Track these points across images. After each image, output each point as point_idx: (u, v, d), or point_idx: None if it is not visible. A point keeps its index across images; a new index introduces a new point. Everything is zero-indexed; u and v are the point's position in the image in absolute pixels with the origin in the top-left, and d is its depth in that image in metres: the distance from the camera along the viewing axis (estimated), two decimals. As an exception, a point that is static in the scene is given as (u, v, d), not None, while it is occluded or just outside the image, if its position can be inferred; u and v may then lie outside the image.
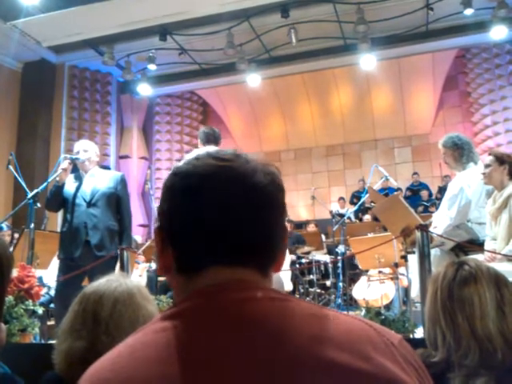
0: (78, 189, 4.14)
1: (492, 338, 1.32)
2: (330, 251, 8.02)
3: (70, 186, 4.18)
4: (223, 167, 0.73)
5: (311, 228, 9.80)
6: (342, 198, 11.59)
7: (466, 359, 1.32)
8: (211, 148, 4.05)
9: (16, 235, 5.56)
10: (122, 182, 4.28)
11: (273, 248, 0.74)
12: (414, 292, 3.69)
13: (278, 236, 0.75)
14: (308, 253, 7.48)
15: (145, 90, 10.62)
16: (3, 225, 5.44)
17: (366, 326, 0.68)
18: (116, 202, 4.21)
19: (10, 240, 5.22)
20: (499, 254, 3.31)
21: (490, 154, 3.57)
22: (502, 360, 1.30)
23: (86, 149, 4.25)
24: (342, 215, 8.79)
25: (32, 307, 3.31)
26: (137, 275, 6.65)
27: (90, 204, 4.10)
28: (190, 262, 0.73)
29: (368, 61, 9.57)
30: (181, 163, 0.77)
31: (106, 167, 9.88)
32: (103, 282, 1.36)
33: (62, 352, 1.29)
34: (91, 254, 4.01)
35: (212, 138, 4.49)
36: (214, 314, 0.66)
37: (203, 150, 4.19)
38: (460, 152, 3.91)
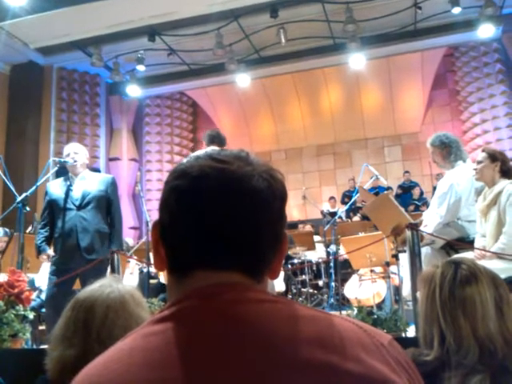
0: (67, 193, 4.12)
1: (493, 338, 1.32)
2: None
3: (59, 190, 4.15)
4: (219, 169, 0.71)
5: (303, 228, 9.82)
6: (332, 198, 11.62)
7: (465, 359, 1.32)
8: (213, 148, 4.05)
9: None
10: (113, 184, 4.28)
11: (263, 254, 0.73)
12: (406, 291, 3.71)
13: (271, 243, 0.74)
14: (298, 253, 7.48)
15: (134, 91, 10.58)
16: (0, 229, 5.39)
17: (355, 328, 0.68)
18: (107, 204, 4.19)
19: (5, 246, 5.14)
20: (489, 251, 3.33)
21: (483, 151, 3.59)
22: (502, 359, 1.31)
23: (76, 151, 4.24)
24: (332, 214, 8.81)
25: (23, 312, 3.29)
26: (128, 273, 6.63)
27: (80, 207, 4.08)
28: (178, 263, 0.73)
29: (357, 60, 9.62)
30: (183, 161, 0.76)
31: (96, 169, 9.83)
32: (96, 288, 1.35)
33: (53, 359, 1.28)
34: (82, 257, 3.99)
35: (217, 140, 4.53)
36: (204, 317, 0.66)
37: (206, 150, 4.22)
38: (448, 150, 3.93)
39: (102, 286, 1.35)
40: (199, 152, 0.78)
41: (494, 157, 3.48)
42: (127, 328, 1.25)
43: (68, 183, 4.16)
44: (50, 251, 4.07)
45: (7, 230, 5.48)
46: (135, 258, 6.39)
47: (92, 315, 1.28)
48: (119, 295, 1.32)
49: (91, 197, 4.12)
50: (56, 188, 4.18)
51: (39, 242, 4.11)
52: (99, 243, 4.09)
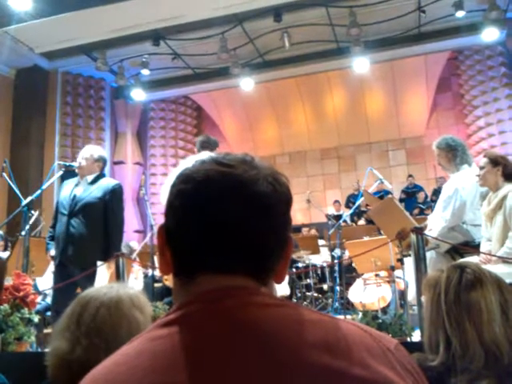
0: (67, 197, 4.08)
1: (499, 343, 1.32)
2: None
3: (64, 193, 4.14)
4: (224, 173, 0.71)
5: (308, 232, 9.81)
6: (337, 201, 11.61)
7: (471, 364, 1.31)
8: (206, 154, 4.00)
9: (9, 243, 5.54)
10: (113, 191, 4.09)
11: (269, 258, 0.73)
12: (411, 295, 3.70)
13: (277, 246, 0.74)
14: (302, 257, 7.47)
15: (138, 95, 10.62)
16: None
17: (362, 332, 0.68)
18: (103, 212, 4.03)
19: (3, 249, 5.18)
20: (494, 255, 3.32)
21: (484, 156, 3.59)
22: (508, 364, 1.30)
23: (85, 155, 4.19)
24: (337, 218, 8.80)
25: (28, 315, 3.30)
26: (132, 278, 6.63)
27: (71, 214, 4.00)
28: (184, 267, 0.73)
29: (361, 64, 9.62)
30: (189, 165, 0.76)
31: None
32: (96, 289, 1.37)
33: (49, 353, 1.30)
34: (70, 263, 3.96)
35: (206, 145, 4.50)
36: (210, 321, 0.66)
37: (198, 156, 4.19)
38: (454, 153, 3.92)
39: (101, 287, 1.37)
40: (203, 156, 0.78)
41: (496, 161, 3.47)
42: (117, 326, 1.26)
43: (73, 187, 4.13)
44: (52, 251, 4.07)
45: (1, 233, 5.53)
46: (138, 262, 6.40)
47: (84, 310, 1.29)
48: (115, 295, 1.33)
49: (83, 204, 4.00)
50: (65, 190, 4.16)
51: (47, 239, 4.17)
52: (85, 251, 3.94)
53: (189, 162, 0.78)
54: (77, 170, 4.19)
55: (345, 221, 9.01)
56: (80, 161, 4.17)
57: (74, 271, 3.91)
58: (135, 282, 6.65)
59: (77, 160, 4.21)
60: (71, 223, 3.98)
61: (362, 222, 9.79)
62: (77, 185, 4.16)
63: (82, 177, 4.17)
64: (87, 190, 4.08)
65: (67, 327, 1.29)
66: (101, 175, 4.23)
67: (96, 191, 4.08)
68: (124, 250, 6.21)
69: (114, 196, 4.11)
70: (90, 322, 1.27)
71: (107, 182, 4.22)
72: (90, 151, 4.24)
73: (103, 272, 3.94)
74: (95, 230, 4.00)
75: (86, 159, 4.17)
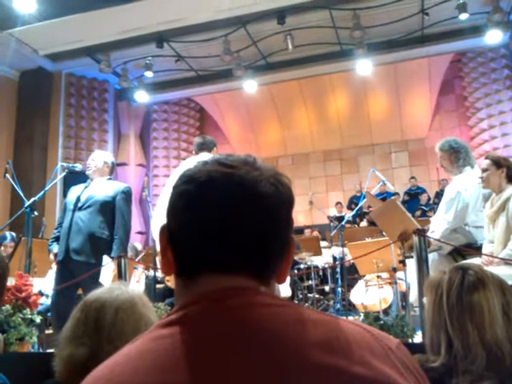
0: (77, 196, 4.14)
1: (501, 344, 1.32)
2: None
3: (73, 194, 4.20)
4: (227, 174, 0.71)
5: (311, 233, 9.80)
6: (339, 203, 11.60)
7: (472, 365, 1.31)
8: (205, 155, 4.01)
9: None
10: (123, 193, 4.20)
11: (271, 258, 0.73)
12: (413, 296, 3.70)
13: (279, 247, 0.74)
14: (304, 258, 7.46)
15: (142, 97, 10.65)
16: (7, 234, 5.43)
17: (363, 331, 0.68)
18: (112, 211, 4.12)
19: (12, 251, 5.18)
20: (496, 257, 3.31)
21: (486, 158, 3.58)
22: (510, 365, 1.30)
23: (93, 158, 4.31)
24: (340, 219, 8.79)
25: (30, 316, 3.30)
26: (134, 281, 6.63)
27: (80, 208, 4.07)
28: (186, 268, 0.73)
29: (364, 66, 9.61)
30: (190, 166, 0.77)
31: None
32: (105, 291, 1.36)
33: (62, 359, 1.28)
34: (70, 258, 3.98)
35: (204, 147, 4.50)
36: (211, 321, 0.66)
37: (197, 157, 4.20)
38: (457, 155, 3.92)
39: (111, 289, 1.36)
40: (203, 157, 0.78)
41: (499, 163, 3.47)
42: (136, 328, 1.27)
43: (83, 188, 4.19)
44: (55, 249, 4.10)
45: (14, 235, 5.52)
46: (141, 264, 6.39)
47: (103, 315, 1.29)
48: (129, 296, 1.33)
49: (93, 200, 4.09)
50: (73, 192, 4.23)
51: (50, 240, 4.20)
52: (90, 247, 3.98)
53: (189, 162, 0.79)
54: (87, 172, 4.26)
55: (348, 221, 9.02)
56: (90, 163, 4.23)
57: (75, 270, 3.92)
58: (137, 285, 6.63)
59: (87, 163, 4.28)
60: (80, 217, 4.05)
61: (364, 223, 9.79)
62: (86, 187, 4.23)
63: (92, 179, 4.25)
64: (98, 190, 4.17)
65: (84, 333, 1.28)
66: (110, 179, 4.36)
67: (107, 190, 4.17)
68: (130, 251, 6.23)
69: (124, 198, 4.22)
70: (111, 327, 1.27)
71: (117, 184, 4.36)
72: (100, 154, 4.37)
73: (107, 273, 3.96)
74: (104, 226, 4.08)
75: (96, 162, 4.27)
